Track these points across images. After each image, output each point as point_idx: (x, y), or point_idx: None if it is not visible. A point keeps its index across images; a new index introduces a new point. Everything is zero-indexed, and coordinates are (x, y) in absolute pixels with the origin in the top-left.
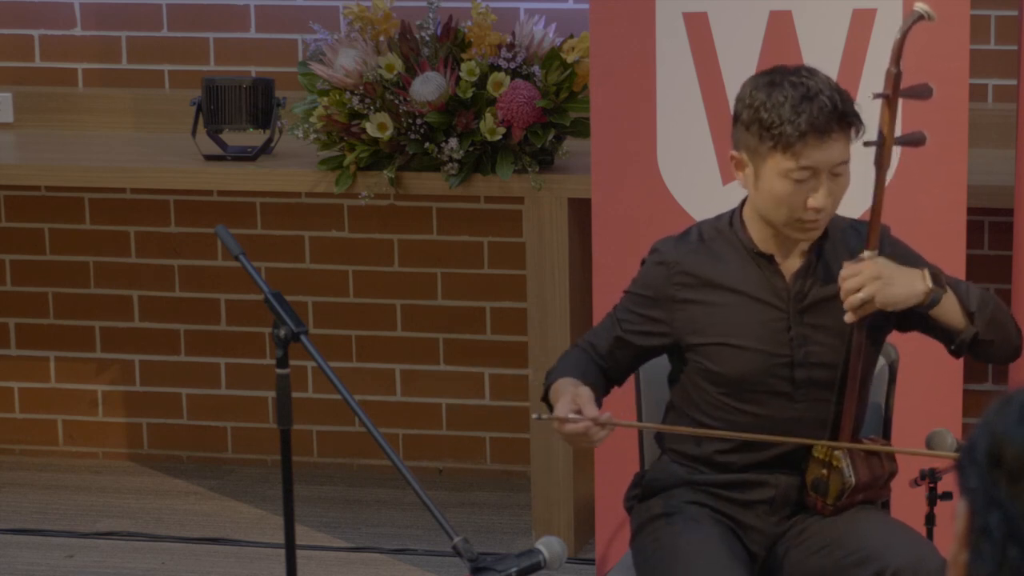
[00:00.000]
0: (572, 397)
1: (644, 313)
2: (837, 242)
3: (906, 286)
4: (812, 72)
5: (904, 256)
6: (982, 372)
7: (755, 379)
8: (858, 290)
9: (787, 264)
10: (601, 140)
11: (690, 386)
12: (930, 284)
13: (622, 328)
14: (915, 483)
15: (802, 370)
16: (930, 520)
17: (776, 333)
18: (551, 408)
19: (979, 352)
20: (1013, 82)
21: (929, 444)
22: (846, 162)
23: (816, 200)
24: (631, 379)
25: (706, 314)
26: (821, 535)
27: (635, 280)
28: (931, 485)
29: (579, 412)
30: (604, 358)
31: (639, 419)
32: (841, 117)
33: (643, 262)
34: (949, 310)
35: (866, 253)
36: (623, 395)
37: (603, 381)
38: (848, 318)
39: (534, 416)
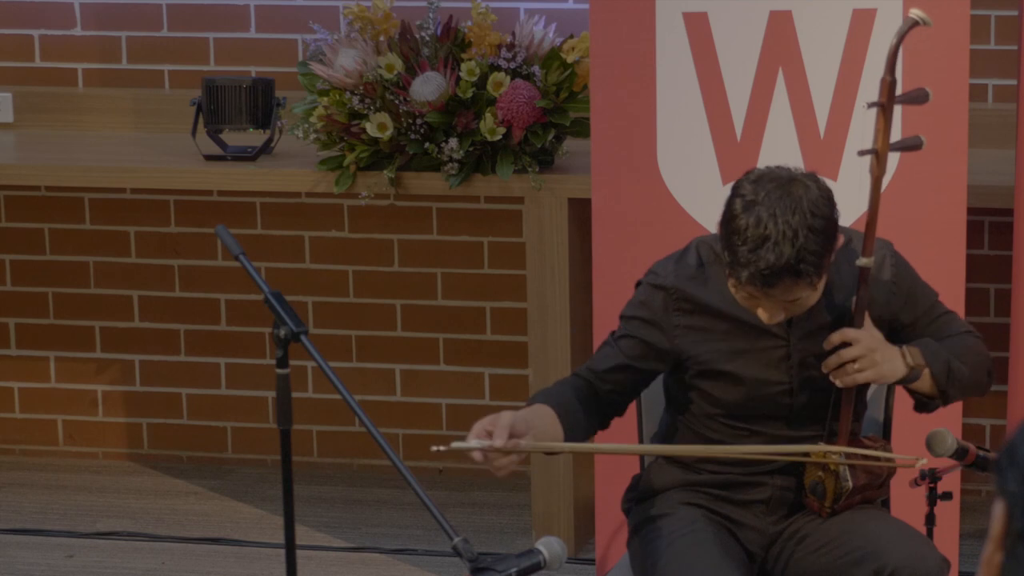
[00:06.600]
0: (490, 421)
1: (643, 337)
2: (840, 261)
3: (891, 363)
4: (794, 202)
5: (908, 281)
6: None
7: (754, 405)
8: (854, 362)
9: None
10: (601, 140)
11: (687, 403)
12: (910, 363)
13: (623, 354)
14: (915, 483)
15: (801, 396)
16: (930, 520)
17: (776, 361)
18: None
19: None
20: (1013, 82)
21: (929, 444)
22: (799, 298)
23: (763, 317)
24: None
25: (705, 341)
26: (819, 534)
27: (632, 304)
28: (931, 485)
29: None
30: (606, 383)
31: (640, 438)
32: (793, 273)
33: (638, 284)
34: (924, 385)
35: (862, 260)
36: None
37: (593, 411)
38: (838, 384)
39: (433, 448)
